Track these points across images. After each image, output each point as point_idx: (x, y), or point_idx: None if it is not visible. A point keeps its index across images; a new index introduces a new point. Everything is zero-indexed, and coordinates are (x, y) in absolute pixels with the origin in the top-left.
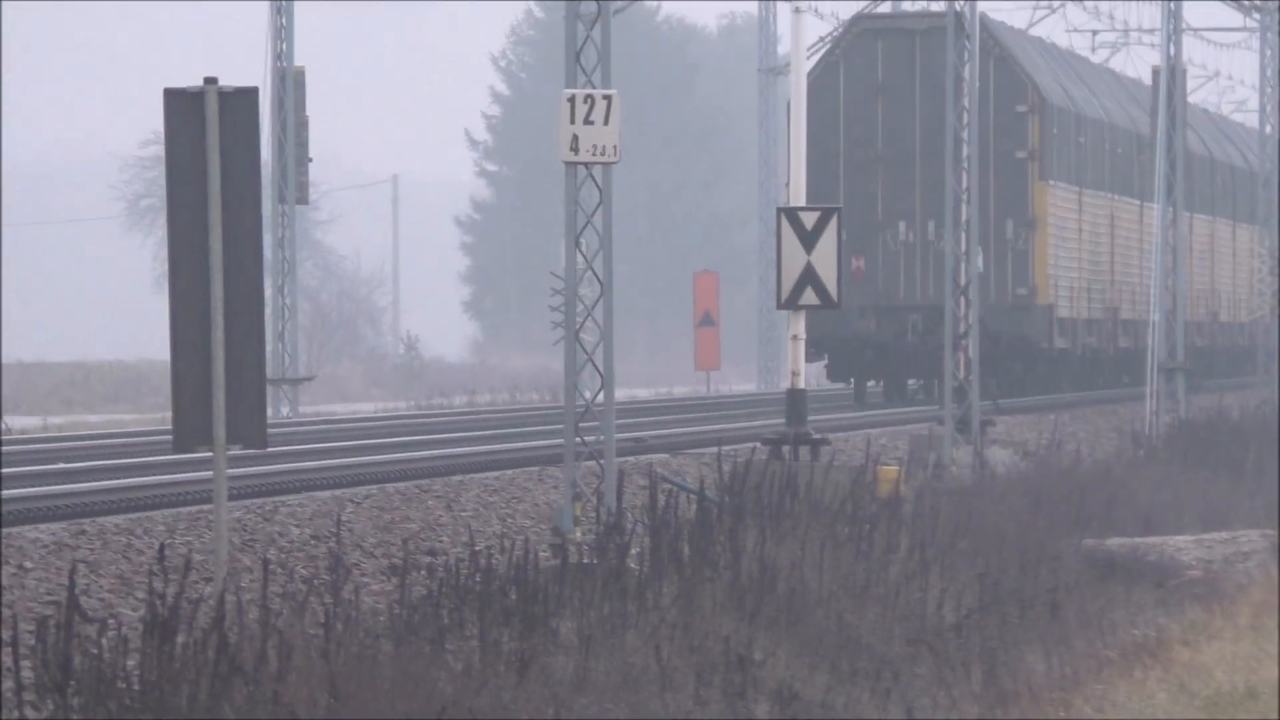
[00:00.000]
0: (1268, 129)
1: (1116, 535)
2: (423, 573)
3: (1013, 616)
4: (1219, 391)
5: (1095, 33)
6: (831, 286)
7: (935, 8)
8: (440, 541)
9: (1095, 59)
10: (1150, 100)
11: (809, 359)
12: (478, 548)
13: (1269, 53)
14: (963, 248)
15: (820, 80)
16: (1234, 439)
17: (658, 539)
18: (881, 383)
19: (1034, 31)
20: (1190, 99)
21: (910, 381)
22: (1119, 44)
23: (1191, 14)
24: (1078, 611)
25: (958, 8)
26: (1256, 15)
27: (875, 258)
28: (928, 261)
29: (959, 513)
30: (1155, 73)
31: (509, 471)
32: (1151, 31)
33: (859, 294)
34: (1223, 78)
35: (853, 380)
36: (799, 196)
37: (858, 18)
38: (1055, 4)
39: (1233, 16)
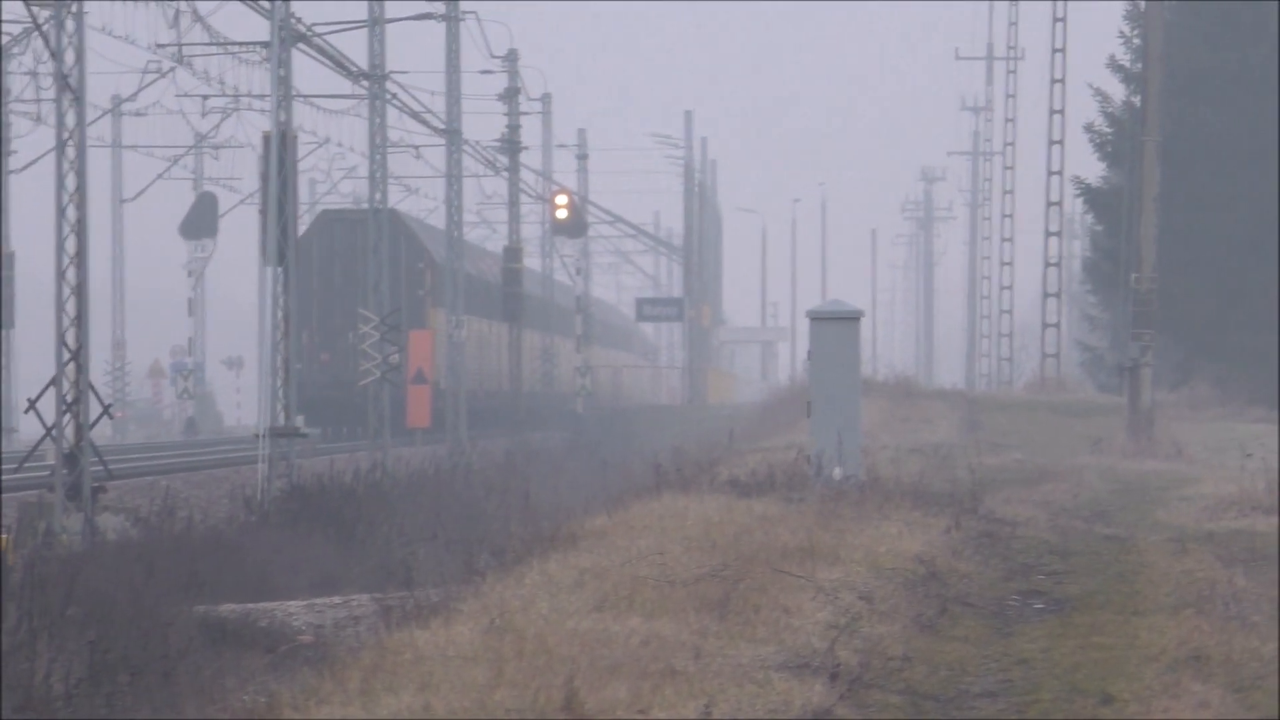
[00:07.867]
0: (377, 196)
1: (230, 601)
2: None
3: (124, 685)
4: (331, 455)
5: (206, 98)
6: None
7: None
8: None
9: (206, 125)
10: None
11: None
12: None
13: (378, 120)
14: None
15: (305, 245)
16: (346, 502)
17: None
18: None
19: (144, 95)
20: (302, 164)
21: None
22: (230, 109)
23: (302, 80)
24: (190, 678)
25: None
26: (365, 83)
27: (336, 353)
28: (361, 355)
29: (69, 581)
30: (266, 138)
31: None
32: (263, 97)
33: (327, 374)
34: (333, 144)
35: (324, 428)
36: None
37: (324, 211)
38: (166, 67)
39: (342, 84)
